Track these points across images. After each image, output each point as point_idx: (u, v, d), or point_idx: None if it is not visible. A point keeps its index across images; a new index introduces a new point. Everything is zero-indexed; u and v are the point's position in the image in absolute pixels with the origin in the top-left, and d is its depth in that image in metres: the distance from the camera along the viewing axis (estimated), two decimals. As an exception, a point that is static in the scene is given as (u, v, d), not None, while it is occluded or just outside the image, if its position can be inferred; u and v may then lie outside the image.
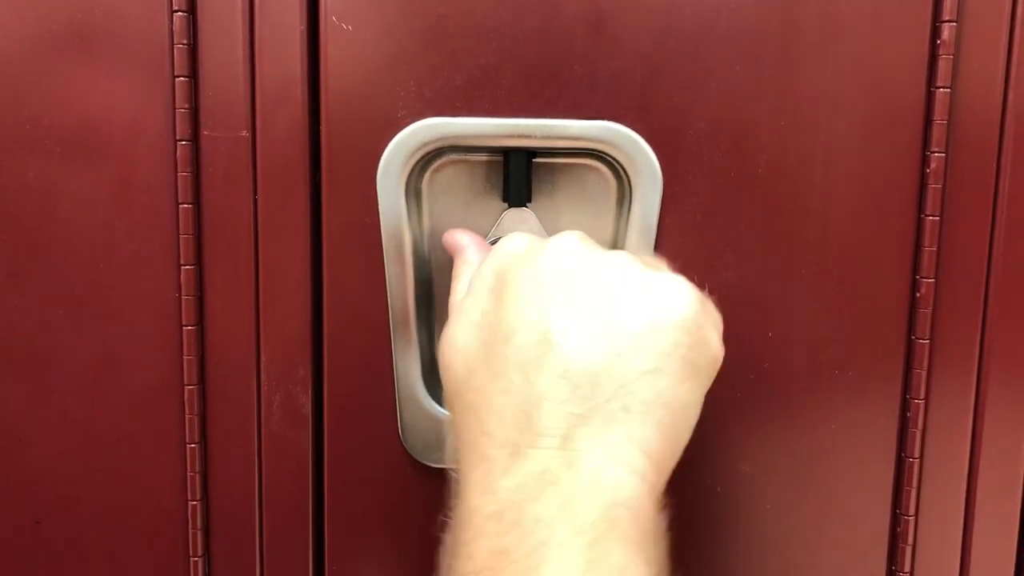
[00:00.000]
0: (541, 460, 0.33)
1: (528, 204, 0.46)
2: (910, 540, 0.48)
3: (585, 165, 0.47)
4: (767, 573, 0.49)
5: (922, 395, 0.46)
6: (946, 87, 0.44)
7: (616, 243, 0.47)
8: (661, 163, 0.45)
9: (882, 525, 0.48)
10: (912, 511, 0.47)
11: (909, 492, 0.47)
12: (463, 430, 0.36)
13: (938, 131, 0.44)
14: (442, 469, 0.47)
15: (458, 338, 0.38)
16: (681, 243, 0.45)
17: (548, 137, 0.44)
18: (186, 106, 0.44)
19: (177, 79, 0.44)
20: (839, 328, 0.46)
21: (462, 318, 0.38)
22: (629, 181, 0.45)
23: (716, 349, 0.36)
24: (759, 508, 0.48)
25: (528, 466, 0.33)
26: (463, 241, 0.44)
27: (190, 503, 0.47)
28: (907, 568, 0.48)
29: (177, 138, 0.44)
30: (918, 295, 0.46)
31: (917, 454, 0.47)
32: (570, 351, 0.33)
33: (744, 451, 0.47)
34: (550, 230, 0.46)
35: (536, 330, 0.34)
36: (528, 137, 0.44)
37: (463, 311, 0.38)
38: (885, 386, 0.47)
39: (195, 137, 0.44)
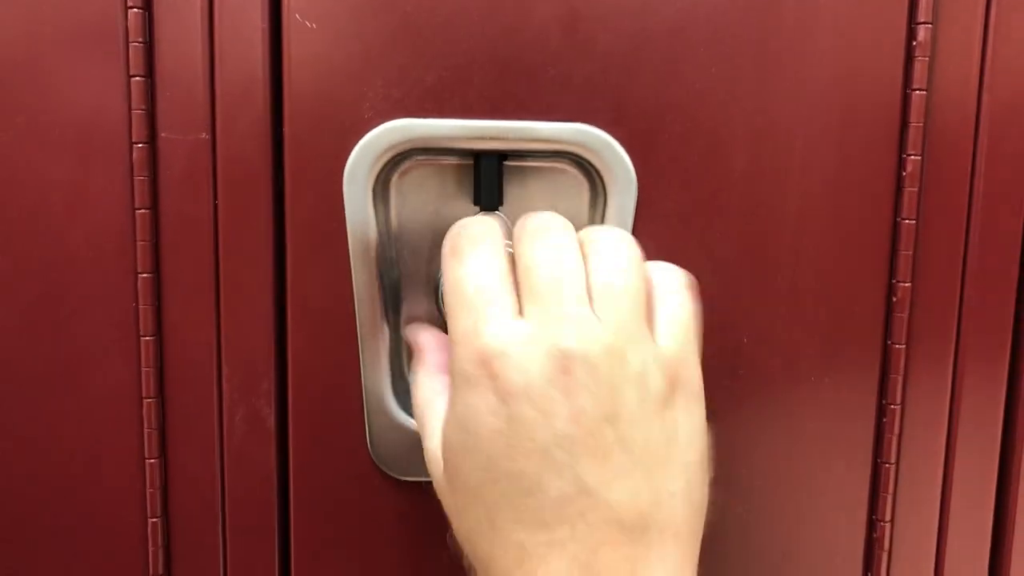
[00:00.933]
0: None
1: (500, 207, 0.45)
2: (886, 546, 0.47)
3: (557, 168, 0.46)
4: (743, 581, 0.48)
5: (898, 400, 0.46)
6: (922, 89, 0.43)
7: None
8: (636, 166, 0.44)
9: (858, 530, 0.48)
10: (888, 517, 0.47)
11: (885, 498, 0.47)
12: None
13: (914, 134, 0.44)
14: (413, 483, 0.46)
15: (455, 442, 0.36)
16: (656, 247, 0.44)
17: (521, 139, 0.43)
18: (142, 107, 0.42)
19: (133, 79, 0.42)
20: (815, 333, 0.46)
21: (456, 420, 0.36)
22: (603, 185, 0.44)
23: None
24: (733, 515, 0.48)
25: None
26: (423, 342, 0.43)
27: (150, 520, 0.45)
28: (882, 574, 0.48)
29: (133, 140, 0.42)
30: (894, 299, 0.45)
31: (893, 459, 0.47)
32: (616, 503, 0.33)
33: (718, 458, 0.46)
34: None
35: (570, 485, 0.33)
36: (500, 139, 0.43)
37: (456, 412, 0.36)
38: (861, 391, 0.47)
39: (152, 139, 0.43)
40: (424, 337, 0.43)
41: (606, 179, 0.44)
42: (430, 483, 0.44)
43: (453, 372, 0.35)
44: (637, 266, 0.36)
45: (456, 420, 0.35)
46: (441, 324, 0.46)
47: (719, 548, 0.48)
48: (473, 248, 0.36)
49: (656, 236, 0.45)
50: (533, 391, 0.33)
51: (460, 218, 0.44)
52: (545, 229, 0.36)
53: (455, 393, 0.35)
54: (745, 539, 0.48)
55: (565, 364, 0.33)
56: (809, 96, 0.44)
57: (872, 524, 0.48)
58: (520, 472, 0.33)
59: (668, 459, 0.35)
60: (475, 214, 0.45)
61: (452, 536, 0.38)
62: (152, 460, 0.45)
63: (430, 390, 0.40)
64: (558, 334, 0.34)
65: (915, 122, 0.44)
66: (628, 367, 0.34)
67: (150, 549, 0.45)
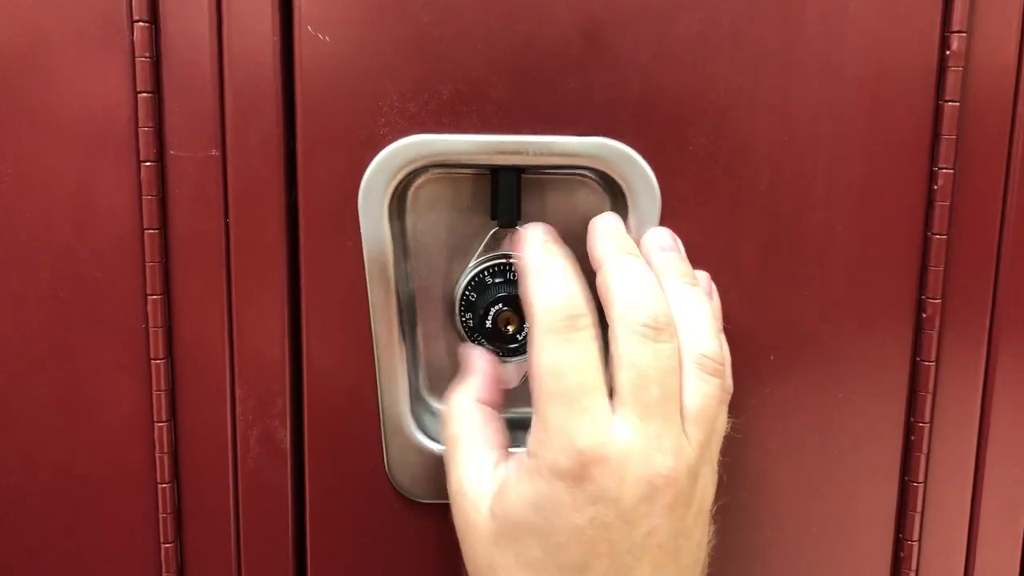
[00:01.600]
0: None
1: (517, 223, 0.44)
2: (913, 565, 0.47)
3: (577, 179, 0.44)
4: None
5: (927, 418, 0.45)
6: (955, 101, 0.42)
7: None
8: (659, 180, 0.43)
9: (885, 549, 0.47)
10: (916, 536, 0.46)
11: (913, 516, 0.46)
12: None
13: (946, 146, 0.42)
14: (432, 505, 0.45)
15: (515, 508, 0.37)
16: None
17: (541, 154, 0.42)
18: (150, 124, 0.41)
19: (140, 95, 0.40)
20: (843, 349, 0.45)
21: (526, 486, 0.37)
22: (625, 198, 0.43)
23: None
24: (760, 531, 0.47)
25: None
26: (476, 366, 0.43)
27: (163, 546, 0.45)
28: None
29: (141, 159, 0.41)
30: (924, 316, 0.44)
31: (921, 478, 0.46)
32: None
33: (745, 474, 0.46)
34: None
35: None
36: (520, 154, 0.42)
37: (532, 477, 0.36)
38: (889, 409, 0.46)
39: (160, 157, 0.41)
40: (479, 361, 0.43)
41: (628, 193, 0.43)
42: (449, 505, 0.43)
43: (540, 454, 0.36)
44: (721, 391, 0.38)
45: (532, 497, 0.36)
46: (455, 341, 0.46)
47: (745, 561, 0.47)
48: (573, 333, 0.36)
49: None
50: (623, 503, 0.35)
51: (476, 233, 0.44)
52: (656, 329, 0.36)
53: (536, 473, 0.36)
54: (769, 557, 0.47)
55: (656, 483, 0.35)
56: (836, 107, 0.42)
57: (899, 543, 0.47)
58: (587, 566, 0.35)
59: (696, 562, 0.37)
60: (492, 230, 0.44)
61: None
62: (164, 484, 0.44)
63: (472, 422, 0.40)
64: (657, 453, 0.35)
65: (947, 134, 0.42)
66: (697, 486, 0.37)
67: (164, 575, 0.45)
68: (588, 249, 0.41)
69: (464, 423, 0.40)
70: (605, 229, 0.41)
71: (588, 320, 0.37)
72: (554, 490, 0.35)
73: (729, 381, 0.41)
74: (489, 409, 0.41)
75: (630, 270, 0.38)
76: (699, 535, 0.37)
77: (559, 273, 0.38)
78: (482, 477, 0.38)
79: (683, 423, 0.36)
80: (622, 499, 0.35)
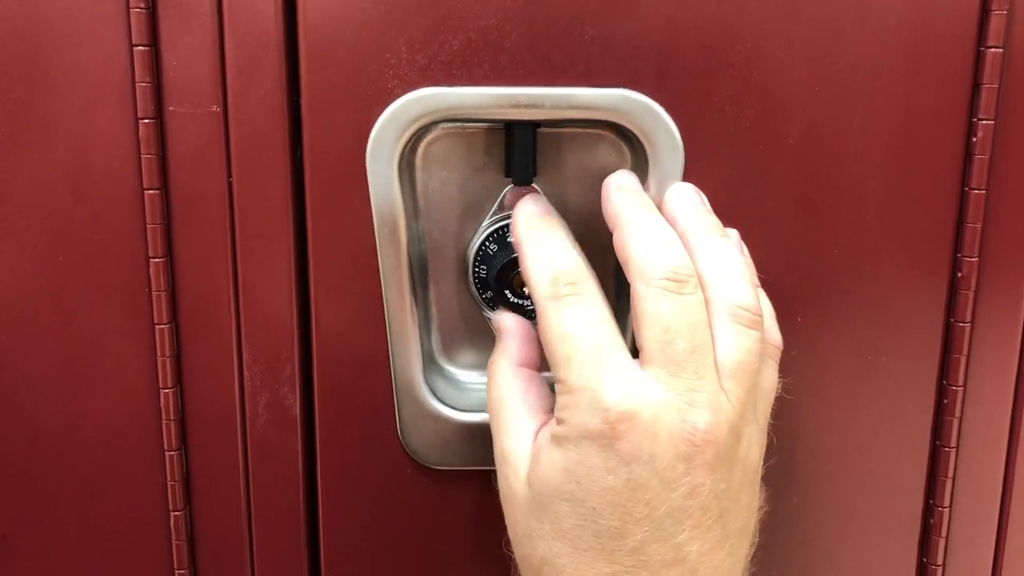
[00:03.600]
0: None
1: (533, 180, 0.42)
2: (943, 532, 0.46)
3: (595, 134, 0.43)
4: (793, 566, 0.47)
5: (960, 382, 0.44)
6: (998, 47, 0.40)
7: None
8: (682, 135, 0.41)
9: (914, 515, 0.46)
10: (946, 502, 0.45)
11: (944, 482, 0.45)
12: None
13: (987, 96, 0.40)
14: (446, 472, 0.45)
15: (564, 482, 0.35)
16: None
17: (558, 107, 0.40)
18: (147, 79, 0.39)
19: (135, 48, 0.39)
20: (874, 311, 0.43)
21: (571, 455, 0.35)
22: (646, 153, 0.41)
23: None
24: (787, 498, 0.46)
25: None
26: (508, 328, 0.41)
27: (172, 514, 0.44)
28: (939, 561, 0.46)
29: (139, 116, 0.39)
30: (959, 275, 0.43)
31: (954, 443, 0.44)
32: (706, 572, 0.35)
33: (771, 445, 0.44)
34: (556, 205, 0.42)
35: (672, 552, 0.34)
36: (535, 107, 0.40)
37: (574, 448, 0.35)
38: (921, 371, 0.44)
39: (159, 114, 0.40)
40: (509, 322, 0.42)
41: (650, 148, 0.41)
42: (464, 472, 0.43)
43: (566, 418, 0.35)
44: (760, 344, 0.36)
45: (562, 463, 0.35)
46: (469, 303, 0.45)
47: (770, 534, 0.46)
48: (574, 297, 0.36)
49: (704, 210, 0.42)
50: (658, 461, 0.33)
51: (489, 191, 0.43)
52: (677, 281, 0.35)
53: (565, 438, 0.35)
54: (798, 522, 0.46)
55: (694, 440, 0.34)
56: (872, 55, 0.40)
57: (929, 509, 0.46)
58: (625, 532, 0.34)
59: (746, 528, 0.36)
60: (507, 188, 0.43)
61: (508, 544, 0.39)
62: (172, 452, 0.43)
63: (511, 388, 0.39)
64: (691, 408, 0.34)
65: (989, 83, 0.40)
66: (740, 446, 0.35)
67: (174, 543, 0.44)
68: (603, 208, 0.39)
69: (504, 390, 0.39)
70: (619, 186, 0.39)
71: (589, 284, 0.36)
72: (585, 453, 0.34)
73: (775, 335, 0.39)
74: (528, 371, 0.40)
75: (645, 224, 0.37)
76: (747, 498, 0.36)
77: (550, 241, 0.37)
78: (522, 444, 0.38)
79: (720, 378, 0.35)
80: (657, 457, 0.33)
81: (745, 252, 0.40)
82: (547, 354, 0.36)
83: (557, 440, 0.35)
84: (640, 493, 0.33)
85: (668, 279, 0.35)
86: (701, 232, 0.38)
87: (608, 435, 0.33)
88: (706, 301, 0.36)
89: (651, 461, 0.33)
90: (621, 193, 0.39)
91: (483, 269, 0.43)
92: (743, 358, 0.35)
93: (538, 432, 0.38)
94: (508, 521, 0.38)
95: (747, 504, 0.36)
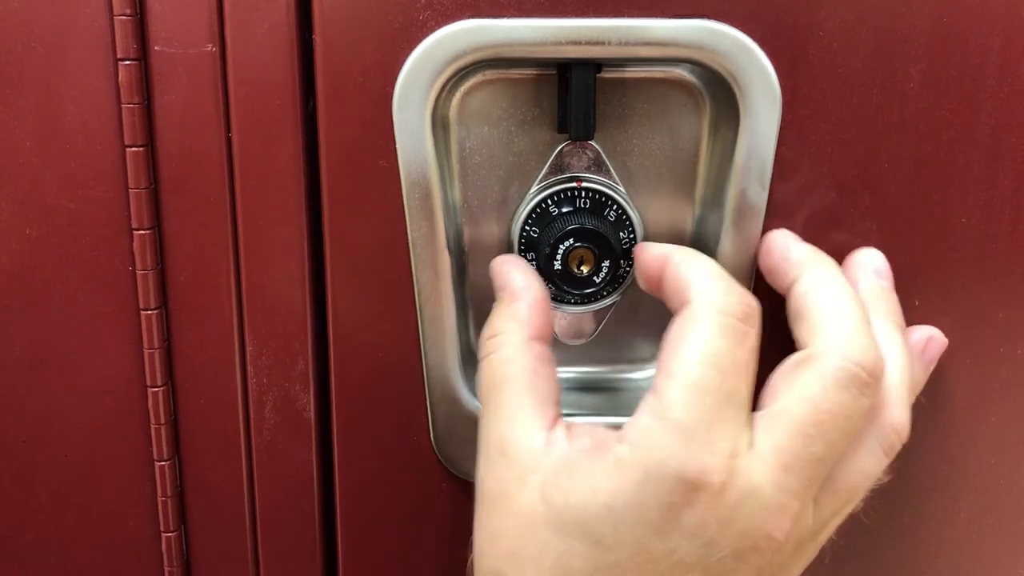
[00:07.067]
0: None
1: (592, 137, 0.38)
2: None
3: (668, 79, 0.38)
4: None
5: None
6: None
7: (707, 189, 0.39)
8: (779, 77, 0.36)
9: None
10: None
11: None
12: None
13: None
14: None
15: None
16: (803, 186, 0.38)
17: (626, 43, 0.35)
18: (128, 11, 0.35)
19: (113, -27, 0.35)
20: (1006, 295, 0.39)
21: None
22: (734, 102, 0.36)
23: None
24: (904, 513, 0.43)
25: None
26: (518, 288, 0.37)
27: (164, 535, 0.42)
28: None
29: (118, 56, 0.36)
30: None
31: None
32: None
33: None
34: (618, 169, 0.39)
35: None
36: (599, 44, 0.35)
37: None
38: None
39: (143, 55, 0.36)
40: (519, 280, 0.37)
41: (740, 95, 0.36)
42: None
43: (640, 445, 0.32)
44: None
45: (605, 496, 0.32)
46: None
47: (892, 544, 0.43)
48: (748, 329, 0.33)
49: (805, 171, 0.38)
50: (713, 551, 0.32)
51: (539, 150, 0.39)
52: (862, 381, 0.33)
53: (623, 467, 0.32)
54: (921, 531, 0.43)
55: (760, 546, 0.32)
56: (1014, -23, 0.36)
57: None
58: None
59: None
60: (561, 144, 0.39)
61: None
62: (162, 463, 0.41)
63: (519, 366, 0.35)
64: (778, 514, 0.32)
65: None
66: (795, 561, 0.34)
67: (166, 569, 0.42)
68: (770, 250, 0.38)
69: (511, 366, 0.35)
70: (789, 234, 0.38)
71: (757, 327, 0.34)
72: (642, 497, 0.31)
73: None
74: (541, 347, 0.35)
75: (845, 297, 0.35)
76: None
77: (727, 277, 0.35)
78: (531, 440, 0.34)
79: (822, 490, 0.33)
80: (715, 545, 0.31)
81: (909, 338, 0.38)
82: (668, 359, 0.33)
83: (615, 464, 0.32)
84: (678, 573, 0.32)
85: (856, 375, 0.33)
86: (881, 316, 0.36)
87: (681, 494, 0.31)
88: None
89: (708, 546, 0.31)
90: (796, 241, 0.37)
91: (532, 255, 0.39)
92: (860, 484, 0.34)
93: (552, 429, 0.34)
94: (487, 527, 0.35)
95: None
